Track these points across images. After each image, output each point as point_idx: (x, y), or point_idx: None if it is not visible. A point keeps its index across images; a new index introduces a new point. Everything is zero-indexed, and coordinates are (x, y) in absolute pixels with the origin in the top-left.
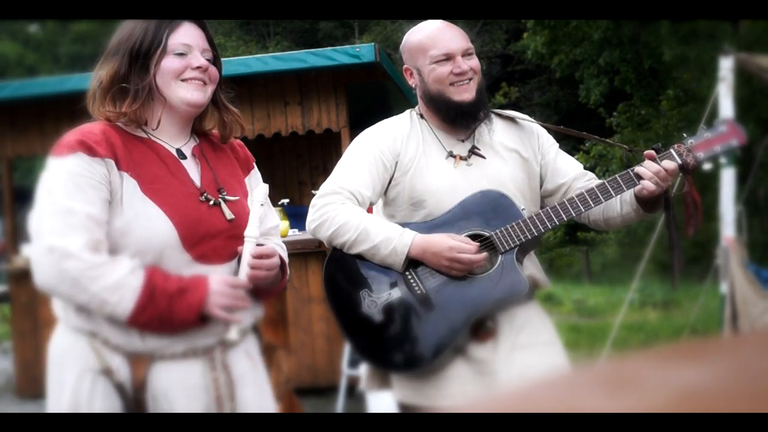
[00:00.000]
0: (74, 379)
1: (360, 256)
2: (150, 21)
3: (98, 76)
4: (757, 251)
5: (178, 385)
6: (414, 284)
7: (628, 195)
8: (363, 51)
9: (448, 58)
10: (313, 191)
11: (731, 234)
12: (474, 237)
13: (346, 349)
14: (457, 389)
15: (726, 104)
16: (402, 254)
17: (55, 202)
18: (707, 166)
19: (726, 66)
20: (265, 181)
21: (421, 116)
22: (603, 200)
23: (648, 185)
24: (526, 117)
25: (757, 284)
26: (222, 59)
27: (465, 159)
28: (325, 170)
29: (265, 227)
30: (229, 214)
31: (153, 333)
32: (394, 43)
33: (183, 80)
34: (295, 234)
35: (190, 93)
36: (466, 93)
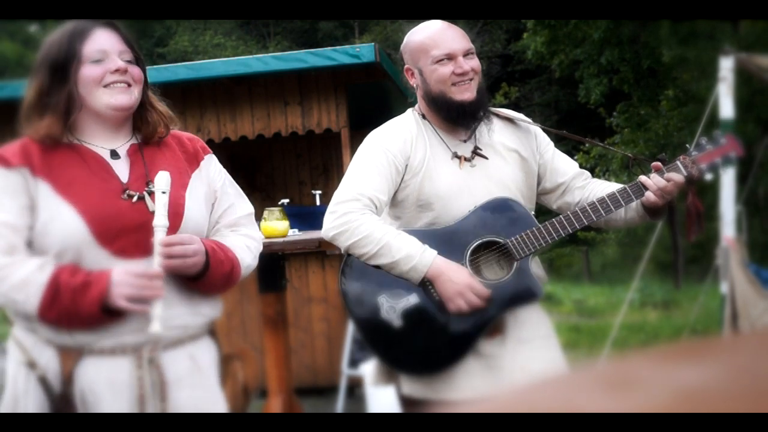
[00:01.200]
0: (13, 372)
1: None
2: (64, 32)
3: (27, 95)
4: (757, 251)
5: (105, 381)
6: (432, 290)
7: (634, 203)
8: (363, 51)
9: (450, 58)
10: (313, 191)
11: (731, 234)
12: (490, 244)
13: (346, 349)
14: (467, 384)
15: (726, 104)
16: (421, 273)
17: None
18: (709, 177)
19: (726, 66)
20: (265, 181)
21: (423, 116)
22: (614, 210)
23: (652, 197)
24: (524, 117)
25: (758, 284)
26: (222, 59)
27: (469, 160)
28: (325, 170)
29: (232, 217)
30: (152, 206)
31: (66, 328)
32: (394, 43)
33: (105, 86)
34: (295, 234)
35: (113, 97)
36: (467, 93)
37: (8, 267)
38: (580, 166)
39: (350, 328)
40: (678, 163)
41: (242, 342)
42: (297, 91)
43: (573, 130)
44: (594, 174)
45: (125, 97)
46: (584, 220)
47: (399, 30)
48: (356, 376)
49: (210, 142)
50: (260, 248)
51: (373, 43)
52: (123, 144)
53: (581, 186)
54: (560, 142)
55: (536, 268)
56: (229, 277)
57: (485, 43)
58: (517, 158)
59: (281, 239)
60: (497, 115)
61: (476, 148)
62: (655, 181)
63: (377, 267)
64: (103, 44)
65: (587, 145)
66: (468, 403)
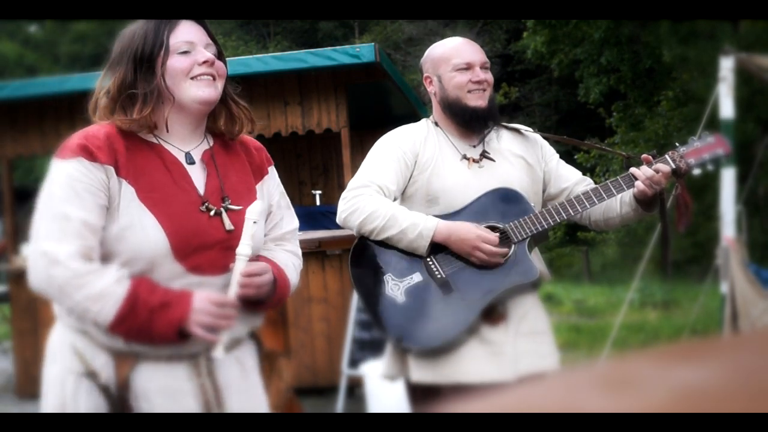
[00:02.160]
0: (59, 379)
1: (385, 245)
2: (148, 23)
3: (103, 86)
4: (757, 251)
5: (161, 388)
6: (434, 269)
7: (628, 196)
8: (363, 51)
9: (468, 67)
10: (312, 191)
11: (731, 234)
12: (490, 229)
13: (346, 349)
14: (473, 368)
15: (726, 104)
16: (427, 238)
17: (52, 206)
18: (696, 172)
19: (726, 66)
20: None
21: (436, 124)
22: (606, 197)
23: (641, 186)
24: (530, 129)
25: (758, 284)
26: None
27: (477, 162)
28: (325, 170)
29: (279, 231)
30: (228, 225)
31: (132, 341)
32: (394, 43)
33: (192, 78)
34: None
35: (201, 90)
36: (480, 100)
37: (86, 275)
38: (581, 166)
39: (350, 328)
40: (666, 156)
41: None
42: (297, 91)
43: (573, 129)
44: (594, 173)
45: (211, 90)
46: (578, 207)
47: (399, 30)
48: (356, 376)
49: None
50: (301, 265)
51: (373, 43)
52: (196, 146)
53: (583, 191)
54: (560, 142)
55: (537, 261)
56: (282, 299)
57: (485, 43)
58: (523, 164)
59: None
60: (505, 127)
61: (485, 151)
62: (643, 171)
63: (384, 246)
64: (191, 35)
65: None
66: (473, 398)
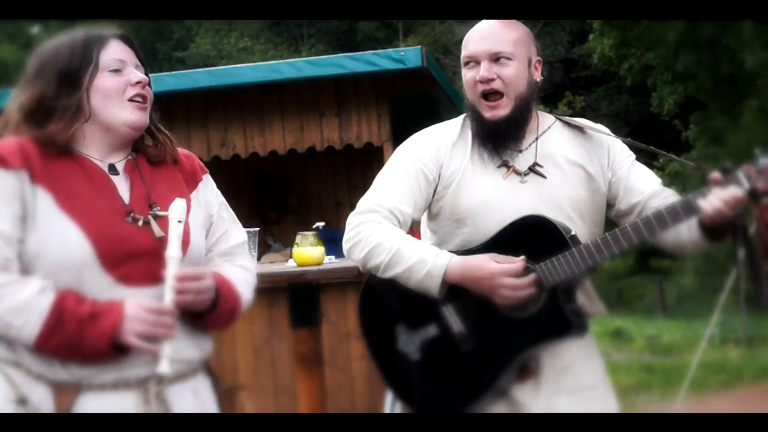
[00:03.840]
0: None
1: (395, 284)
2: (75, 38)
3: (18, 100)
4: None
5: None
6: (452, 320)
7: (693, 221)
8: (408, 55)
9: (473, 61)
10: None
11: None
12: None
13: (390, 392)
14: None
15: None
16: (437, 277)
17: None
18: None
19: None
20: (297, 201)
21: None
22: (659, 231)
23: (707, 219)
24: (598, 127)
25: None
26: (250, 64)
27: (519, 173)
28: (365, 189)
29: (225, 246)
30: (158, 232)
31: (65, 360)
32: (443, 45)
33: (128, 100)
34: (331, 261)
35: (133, 114)
36: (498, 110)
37: (5, 286)
38: None
39: None
40: (740, 174)
41: (272, 384)
42: (334, 101)
43: (645, 142)
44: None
45: (143, 116)
46: (623, 242)
47: (448, 31)
48: None
49: (236, 158)
50: (255, 282)
51: (419, 46)
52: (120, 160)
53: (660, 205)
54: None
55: (587, 300)
56: (232, 314)
57: (546, 46)
58: (581, 175)
59: (316, 267)
60: (567, 124)
61: (535, 164)
62: (710, 201)
63: (395, 287)
64: (122, 54)
65: (661, 161)
66: None
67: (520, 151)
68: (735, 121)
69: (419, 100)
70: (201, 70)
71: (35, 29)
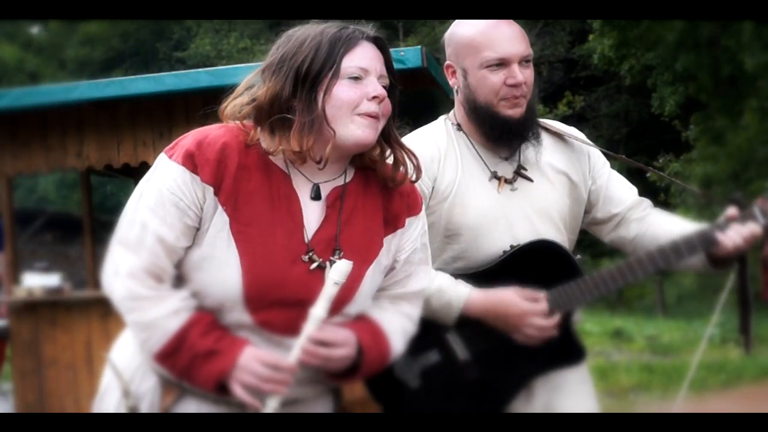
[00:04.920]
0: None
1: None
2: (323, 35)
3: (250, 90)
4: None
5: None
6: (456, 348)
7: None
8: (408, 55)
9: (503, 64)
10: None
11: None
12: None
13: None
14: None
15: None
16: (457, 308)
17: (138, 207)
18: None
19: None
20: None
21: (458, 127)
22: (674, 262)
23: (723, 253)
24: (577, 133)
25: None
26: (250, 64)
27: (510, 182)
28: None
29: (400, 290)
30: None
31: (175, 378)
32: (443, 46)
33: (357, 114)
34: None
35: (362, 130)
36: (515, 108)
37: (142, 300)
38: (654, 186)
39: None
40: (755, 209)
41: None
42: None
43: (645, 143)
44: (669, 194)
45: (372, 132)
46: (639, 272)
47: None
48: None
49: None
50: (414, 331)
51: (419, 46)
52: (330, 180)
53: (639, 218)
54: (631, 157)
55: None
56: (373, 370)
57: (546, 46)
58: (565, 182)
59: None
60: (546, 129)
61: (520, 167)
62: (731, 237)
63: None
64: (366, 61)
65: (660, 161)
66: None
67: (506, 159)
68: (735, 121)
69: (419, 100)
70: (201, 70)
71: (35, 29)
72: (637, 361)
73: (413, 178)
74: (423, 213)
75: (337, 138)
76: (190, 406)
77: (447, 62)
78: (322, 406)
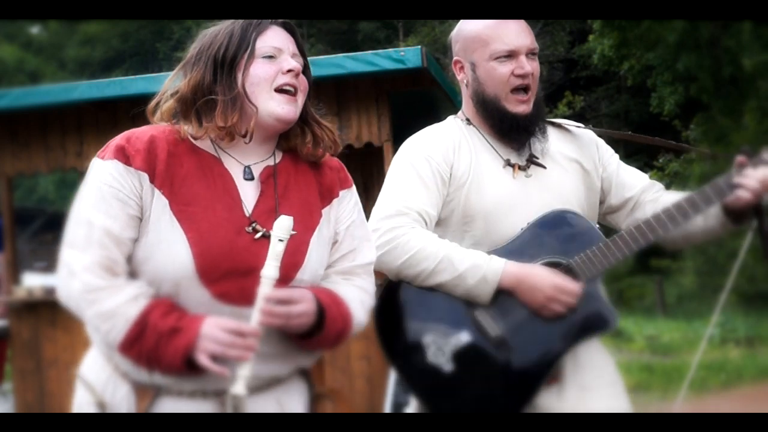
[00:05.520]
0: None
1: (418, 292)
2: (235, 23)
3: (172, 86)
4: None
5: None
6: (486, 325)
7: (714, 208)
8: (408, 55)
9: (511, 55)
10: None
11: None
12: (550, 265)
13: (389, 392)
14: None
15: None
16: (493, 282)
17: (80, 210)
18: None
19: None
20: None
21: (468, 122)
22: (692, 215)
23: (745, 195)
24: (581, 125)
25: None
26: None
27: (524, 169)
28: (366, 189)
29: (348, 264)
30: None
31: (144, 368)
32: (443, 46)
33: (275, 90)
34: None
35: (281, 107)
36: (524, 105)
37: (100, 291)
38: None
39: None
40: (765, 155)
41: None
42: (334, 101)
43: (645, 143)
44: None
45: (291, 109)
46: (659, 229)
47: (449, 31)
48: None
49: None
50: (373, 303)
51: (419, 46)
52: (260, 161)
53: (653, 199)
54: (631, 157)
55: (603, 292)
56: (339, 337)
57: (546, 46)
58: (578, 169)
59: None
60: (552, 124)
61: (532, 155)
62: (751, 177)
63: (416, 295)
64: (279, 41)
65: (661, 161)
66: None
67: (517, 150)
68: (737, 121)
69: (419, 100)
70: None
71: (35, 29)
72: (637, 361)
73: (331, 152)
74: (354, 188)
75: (259, 115)
76: (167, 405)
77: (455, 58)
78: (297, 392)
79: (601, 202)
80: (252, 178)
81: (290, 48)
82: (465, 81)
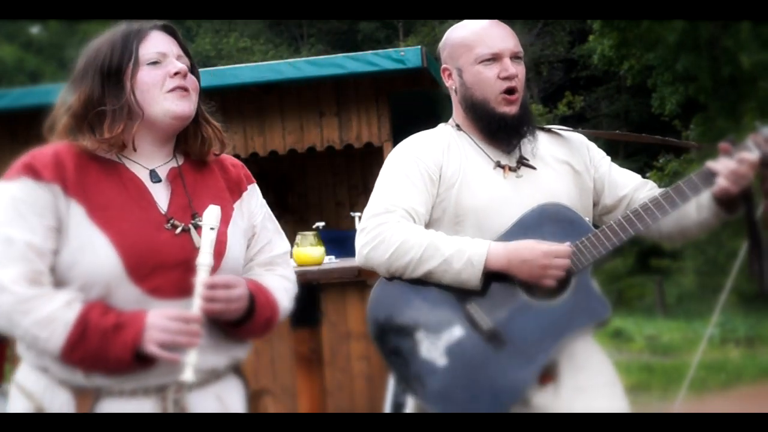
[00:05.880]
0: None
1: (410, 288)
2: (115, 34)
3: (65, 103)
4: None
5: None
6: (478, 317)
7: (706, 198)
8: (408, 55)
9: (495, 58)
10: (352, 213)
11: None
12: None
13: (389, 392)
14: None
15: None
16: (479, 264)
17: None
18: None
19: None
20: (297, 201)
21: (458, 128)
22: (680, 203)
23: (724, 183)
24: (569, 129)
25: None
26: (249, 64)
27: (514, 170)
28: (366, 189)
29: (267, 255)
30: (198, 242)
31: (90, 371)
32: (439, 53)
33: (167, 92)
34: (331, 261)
35: (175, 104)
36: (511, 105)
37: (33, 300)
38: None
39: None
40: (749, 142)
41: (273, 384)
42: (334, 101)
43: (645, 143)
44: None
45: (186, 104)
46: (647, 218)
47: None
48: None
49: (236, 158)
50: (295, 290)
51: (419, 46)
52: (163, 164)
53: (646, 197)
54: (630, 158)
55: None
56: (269, 323)
57: (546, 46)
58: (569, 171)
59: (316, 267)
60: (542, 129)
61: (521, 157)
62: (724, 164)
63: (408, 289)
64: (162, 46)
65: (660, 161)
66: None
67: (508, 152)
68: (736, 122)
69: (419, 100)
70: (201, 70)
71: (35, 29)
72: (637, 361)
73: (218, 151)
74: (256, 184)
75: (150, 116)
76: (109, 406)
77: (443, 66)
78: (234, 389)
79: (596, 204)
80: (159, 180)
81: (174, 50)
82: (453, 87)
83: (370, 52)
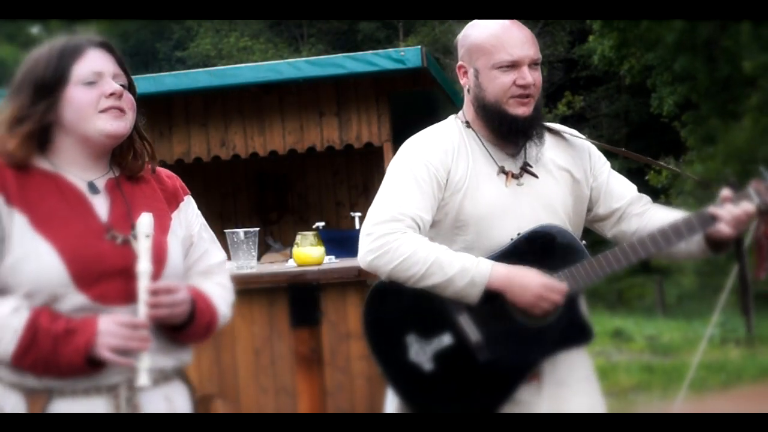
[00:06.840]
0: None
1: (405, 293)
2: (53, 50)
3: (3, 113)
4: None
5: None
6: (468, 329)
7: (697, 236)
8: (408, 55)
9: (514, 66)
10: (352, 213)
11: None
12: None
13: (389, 393)
14: None
15: None
16: (481, 285)
17: None
18: None
19: None
20: (297, 201)
21: (467, 124)
22: (676, 242)
23: (726, 229)
24: (577, 133)
25: None
26: (249, 64)
27: (516, 177)
28: (366, 189)
29: (205, 264)
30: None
31: (40, 375)
32: (443, 46)
33: (101, 111)
34: (331, 261)
35: (109, 123)
36: (524, 107)
37: None
38: (652, 187)
39: None
40: (750, 190)
41: (272, 384)
42: (334, 101)
43: (645, 144)
44: (668, 195)
45: (121, 124)
46: (641, 253)
47: (449, 31)
48: None
49: (236, 158)
50: (233, 298)
51: (419, 46)
52: (100, 177)
53: (639, 213)
54: (630, 158)
55: (584, 308)
56: (209, 328)
57: (546, 45)
58: (568, 179)
59: (316, 267)
60: (548, 130)
61: (526, 164)
62: (728, 211)
63: (405, 296)
64: (98, 65)
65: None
66: None
67: (512, 156)
68: (727, 122)
69: (419, 100)
70: (201, 70)
71: (35, 29)
72: (637, 361)
73: (151, 167)
74: (191, 196)
75: (89, 135)
76: (61, 406)
77: (459, 62)
78: (181, 391)
79: (589, 210)
80: (98, 192)
81: (111, 69)
82: (467, 86)
83: (370, 52)
